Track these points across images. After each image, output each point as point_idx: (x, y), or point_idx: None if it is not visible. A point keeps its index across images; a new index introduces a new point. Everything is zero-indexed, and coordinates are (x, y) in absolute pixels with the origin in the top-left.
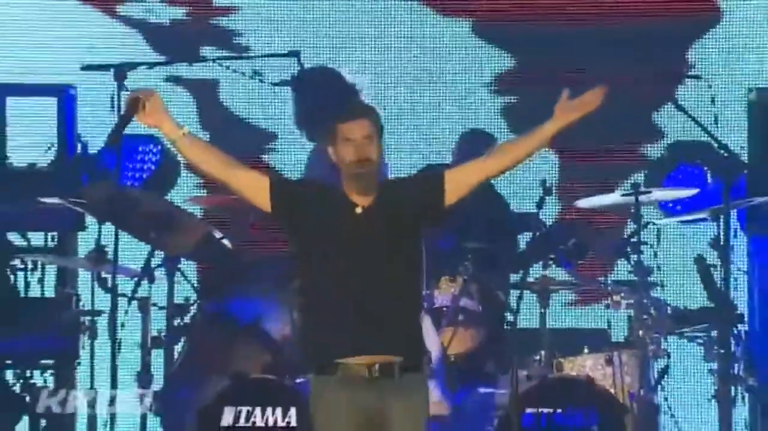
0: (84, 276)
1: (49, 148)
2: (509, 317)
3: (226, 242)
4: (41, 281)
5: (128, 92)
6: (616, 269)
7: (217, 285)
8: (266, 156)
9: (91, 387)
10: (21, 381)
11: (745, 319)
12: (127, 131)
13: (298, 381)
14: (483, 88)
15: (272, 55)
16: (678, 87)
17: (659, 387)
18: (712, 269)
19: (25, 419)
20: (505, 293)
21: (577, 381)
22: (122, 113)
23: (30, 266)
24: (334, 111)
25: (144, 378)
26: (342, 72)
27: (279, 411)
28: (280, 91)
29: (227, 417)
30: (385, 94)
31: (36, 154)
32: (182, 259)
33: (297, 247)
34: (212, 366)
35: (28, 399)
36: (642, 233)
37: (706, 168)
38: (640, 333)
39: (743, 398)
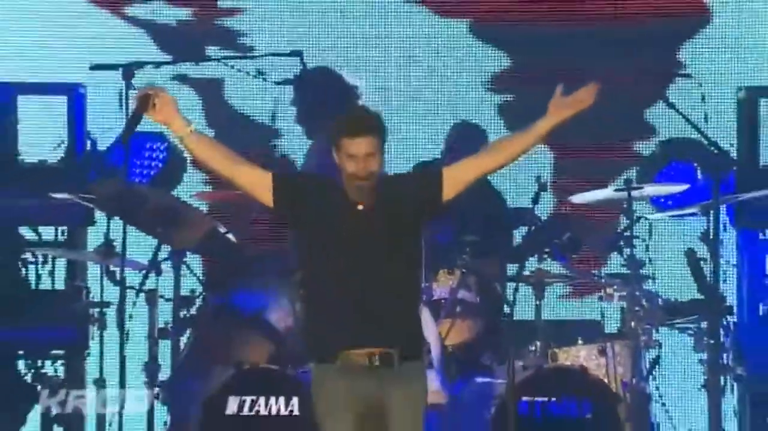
0: (93, 269)
1: (59, 145)
2: (506, 309)
3: (230, 236)
4: (52, 274)
5: (136, 91)
6: (609, 262)
7: (222, 278)
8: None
9: (100, 377)
10: (32, 371)
11: (734, 311)
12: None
13: (300, 370)
14: (480, 86)
15: (275, 55)
16: (669, 86)
17: (651, 376)
18: (702, 262)
19: (37, 408)
20: (501, 285)
21: (571, 370)
22: (133, 109)
23: (41, 259)
24: (334, 110)
25: (151, 367)
26: (343, 73)
27: (282, 400)
28: (282, 90)
29: (232, 406)
30: (385, 93)
31: (47, 151)
32: (188, 253)
33: (299, 241)
34: (217, 357)
35: (39, 388)
36: (634, 227)
37: (696, 165)
38: (633, 324)
39: (732, 387)
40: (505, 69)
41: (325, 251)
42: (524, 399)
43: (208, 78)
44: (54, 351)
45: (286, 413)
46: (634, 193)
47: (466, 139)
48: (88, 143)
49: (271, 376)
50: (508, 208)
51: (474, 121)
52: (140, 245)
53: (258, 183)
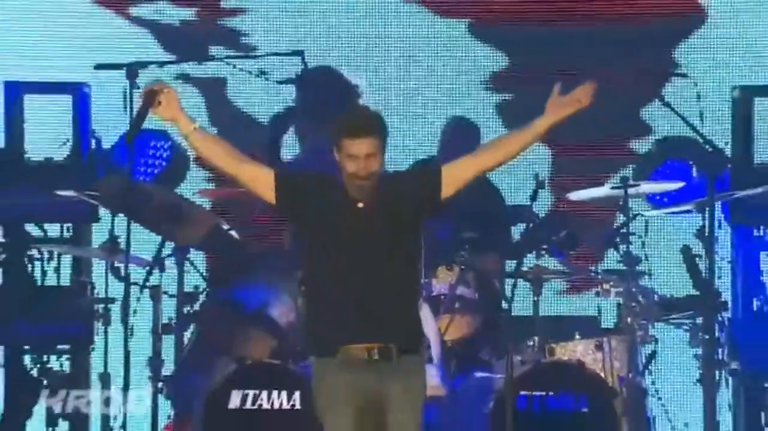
0: (98, 266)
1: (65, 143)
2: (504, 304)
3: (233, 233)
4: (57, 270)
5: (140, 90)
6: (605, 258)
7: (225, 275)
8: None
9: (105, 371)
10: (38, 365)
11: (729, 306)
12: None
13: (302, 365)
14: (479, 86)
15: (277, 55)
16: (665, 85)
17: (647, 371)
18: (697, 258)
19: (42, 402)
20: (500, 281)
21: (568, 365)
22: (139, 107)
23: (46, 255)
24: (335, 108)
25: (155, 362)
26: (343, 72)
27: (284, 394)
28: (284, 89)
29: (234, 400)
30: (385, 93)
31: (52, 149)
32: (192, 249)
33: (300, 239)
34: (220, 352)
35: (45, 382)
36: (630, 224)
37: (691, 162)
38: (629, 319)
39: (727, 382)
40: (503, 69)
41: (325, 249)
42: (522, 393)
43: (211, 77)
44: (59, 346)
45: (288, 407)
46: (631, 190)
47: (460, 134)
48: (93, 141)
49: (274, 371)
50: (506, 205)
51: (472, 119)
52: (144, 242)
53: (261, 181)
